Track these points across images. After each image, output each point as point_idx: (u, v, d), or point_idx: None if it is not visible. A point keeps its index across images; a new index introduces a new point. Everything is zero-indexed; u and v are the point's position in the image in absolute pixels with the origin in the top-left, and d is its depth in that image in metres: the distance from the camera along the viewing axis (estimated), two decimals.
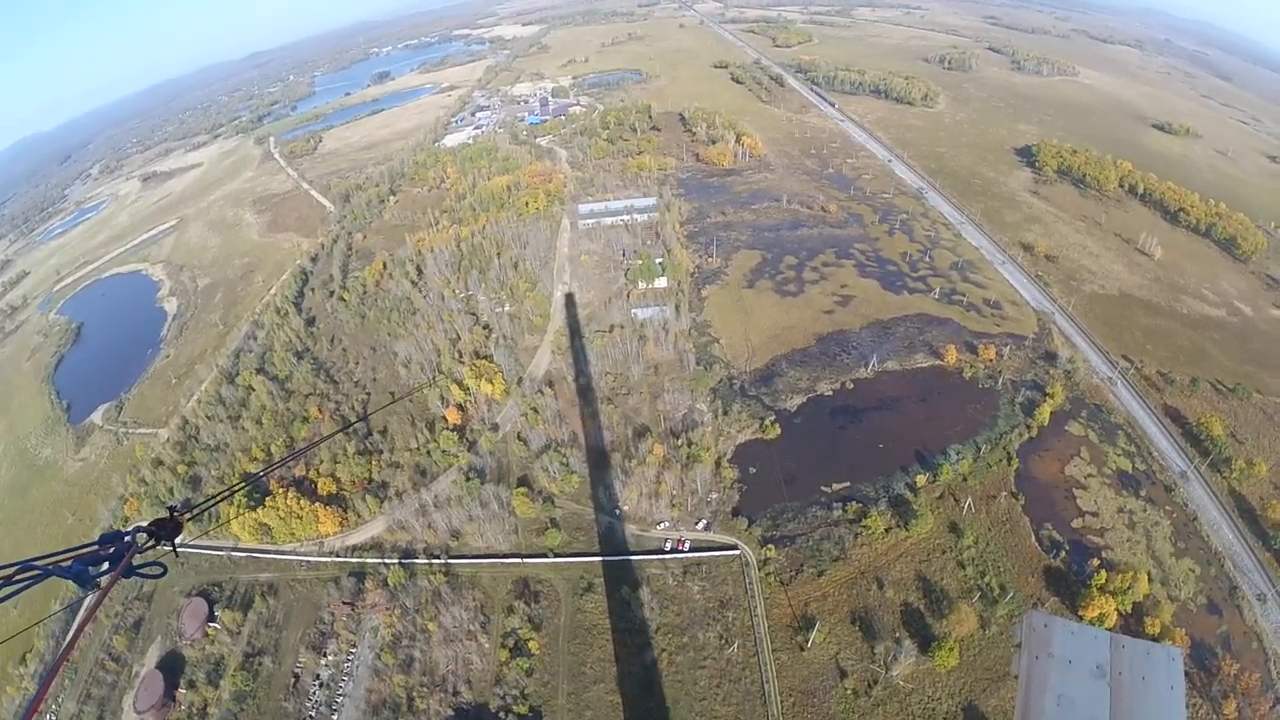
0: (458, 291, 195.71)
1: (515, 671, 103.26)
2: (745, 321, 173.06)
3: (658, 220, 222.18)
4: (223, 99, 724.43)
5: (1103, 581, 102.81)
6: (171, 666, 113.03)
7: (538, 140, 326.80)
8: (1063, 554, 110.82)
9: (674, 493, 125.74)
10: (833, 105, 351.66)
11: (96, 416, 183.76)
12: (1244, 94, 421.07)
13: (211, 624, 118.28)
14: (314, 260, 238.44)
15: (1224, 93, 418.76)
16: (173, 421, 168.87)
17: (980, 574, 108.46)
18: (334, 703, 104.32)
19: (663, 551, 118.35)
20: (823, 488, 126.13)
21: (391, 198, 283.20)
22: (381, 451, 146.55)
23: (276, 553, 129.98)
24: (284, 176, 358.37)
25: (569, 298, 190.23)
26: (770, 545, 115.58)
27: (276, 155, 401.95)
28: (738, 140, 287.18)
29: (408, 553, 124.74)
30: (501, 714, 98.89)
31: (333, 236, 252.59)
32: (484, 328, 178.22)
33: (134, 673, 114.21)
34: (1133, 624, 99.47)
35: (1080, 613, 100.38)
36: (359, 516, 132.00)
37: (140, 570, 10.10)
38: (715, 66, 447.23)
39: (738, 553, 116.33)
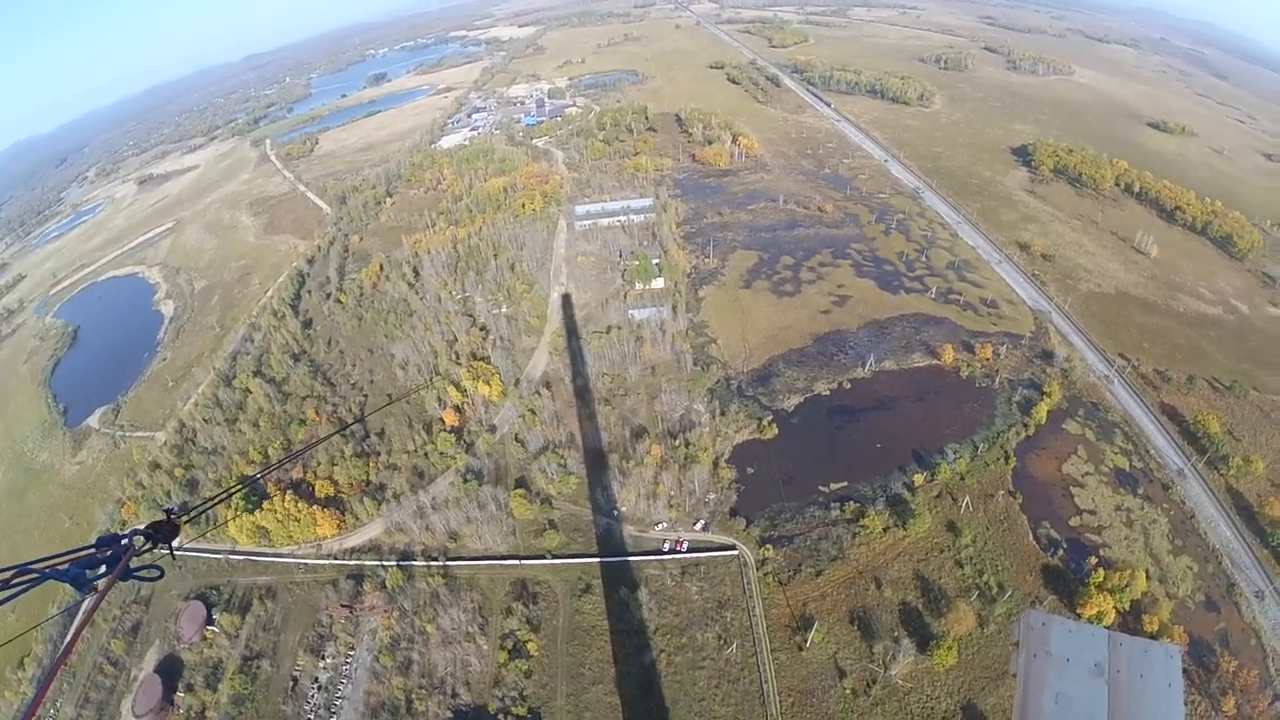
0: (454, 293, 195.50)
1: (514, 673, 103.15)
2: (742, 322, 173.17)
3: (654, 221, 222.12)
4: (219, 101, 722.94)
5: (1101, 579, 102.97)
6: (170, 670, 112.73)
7: (534, 141, 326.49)
8: (1060, 552, 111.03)
9: (672, 493, 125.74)
10: (829, 105, 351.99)
11: (93, 420, 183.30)
12: (1240, 92, 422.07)
13: (209, 627, 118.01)
14: (310, 262, 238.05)
15: (1220, 91, 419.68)
16: (170, 424, 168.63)
17: (978, 573, 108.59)
18: (332, 705, 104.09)
19: (661, 552, 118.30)
20: (820, 487, 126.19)
21: (388, 199, 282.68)
22: (379, 454, 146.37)
23: (274, 556, 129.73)
24: (280, 179, 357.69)
25: (566, 299, 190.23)
26: (768, 545, 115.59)
27: (273, 157, 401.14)
28: (734, 141, 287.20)
29: (406, 555, 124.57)
30: (500, 716, 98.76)
31: (329, 238, 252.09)
32: (481, 329, 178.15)
33: (132, 676, 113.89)
34: (1131, 622, 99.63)
35: (1078, 611, 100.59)
36: (357, 519, 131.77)
37: (137, 573, 10.01)
38: (711, 67, 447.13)
39: (736, 553, 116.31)
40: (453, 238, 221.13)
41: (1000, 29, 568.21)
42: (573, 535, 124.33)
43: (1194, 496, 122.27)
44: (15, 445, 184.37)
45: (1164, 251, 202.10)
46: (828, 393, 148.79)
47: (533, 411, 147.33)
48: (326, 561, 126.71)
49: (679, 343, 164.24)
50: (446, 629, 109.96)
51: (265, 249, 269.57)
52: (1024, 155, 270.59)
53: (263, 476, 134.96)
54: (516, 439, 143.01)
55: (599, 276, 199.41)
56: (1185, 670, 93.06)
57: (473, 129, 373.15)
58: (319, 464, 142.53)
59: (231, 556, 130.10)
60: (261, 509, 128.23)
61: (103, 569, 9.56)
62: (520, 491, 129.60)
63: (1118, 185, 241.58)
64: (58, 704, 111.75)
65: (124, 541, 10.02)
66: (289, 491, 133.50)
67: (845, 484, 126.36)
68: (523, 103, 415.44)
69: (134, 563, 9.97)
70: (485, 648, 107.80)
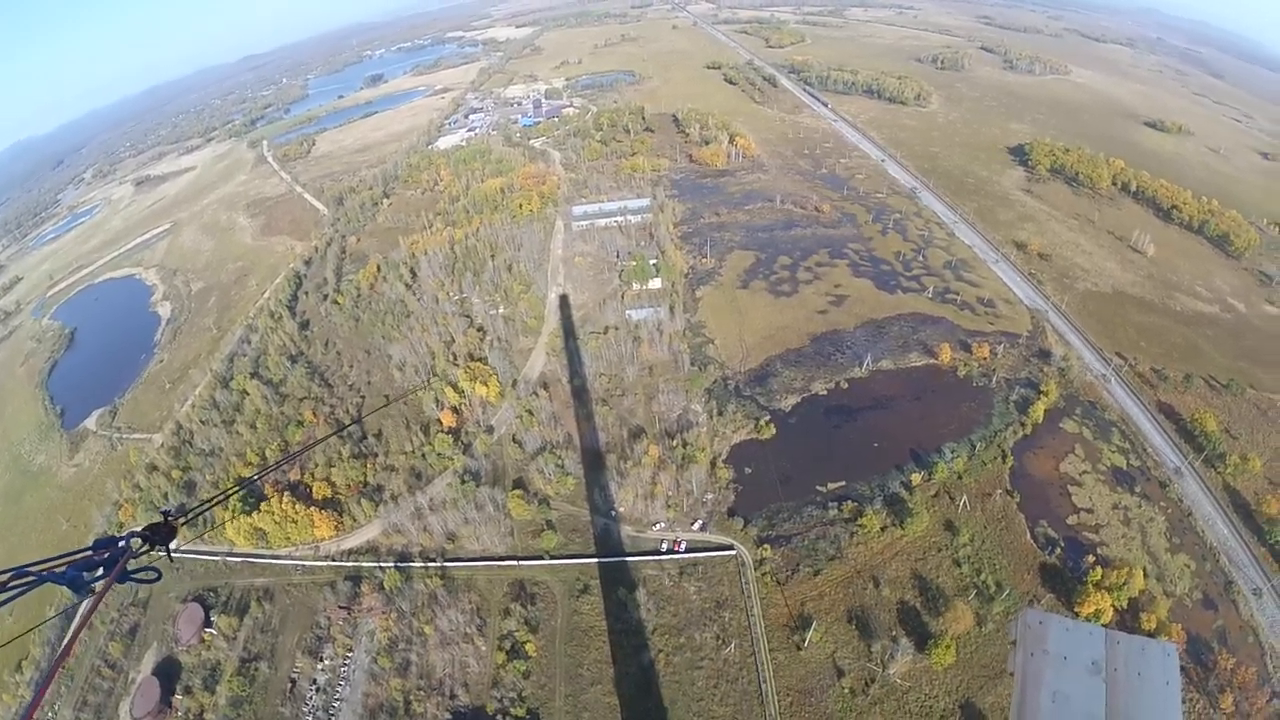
0: (452, 294, 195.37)
1: (512, 674, 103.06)
2: (739, 322, 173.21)
3: (651, 221, 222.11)
4: (216, 102, 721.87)
5: (1098, 578, 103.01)
6: (168, 673, 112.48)
7: (531, 142, 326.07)
8: (1058, 551, 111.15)
9: (669, 494, 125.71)
10: (826, 105, 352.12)
11: (90, 422, 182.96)
12: (1237, 92, 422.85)
13: (207, 629, 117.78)
14: (308, 264, 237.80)
15: (1217, 90, 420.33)
16: (167, 426, 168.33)
17: (976, 572, 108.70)
18: (331, 707, 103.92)
19: (659, 552, 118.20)
20: (818, 487, 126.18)
21: (385, 200, 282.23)
22: (376, 455, 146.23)
23: (272, 557, 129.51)
24: (277, 180, 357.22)
25: (563, 299, 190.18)
26: (766, 545, 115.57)
27: (270, 158, 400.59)
28: (731, 141, 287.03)
29: (403, 556, 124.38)
30: (499, 717, 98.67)
31: (326, 240, 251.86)
32: (478, 330, 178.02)
33: (130, 679, 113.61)
34: (1129, 620, 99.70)
35: (1076, 609, 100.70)
36: (354, 520, 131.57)
37: (135, 575, 10.05)
38: (708, 67, 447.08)
39: (734, 553, 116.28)
40: (450, 239, 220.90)
41: (997, 29, 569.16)
42: (570, 536, 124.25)
43: (1191, 494, 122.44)
44: (12, 448, 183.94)
45: (1161, 250, 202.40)
46: (825, 392, 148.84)
47: (530, 412, 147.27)
48: (324, 563, 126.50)
49: (676, 343, 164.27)
50: (444, 630, 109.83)
51: (262, 250, 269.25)
52: (1021, 155, 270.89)
53: (260, 478, 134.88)
54: (514, 440, 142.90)
55: (596, 277, 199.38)
56: (1183, 668, 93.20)
57: (470, 130, 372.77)
58: (316, 465, 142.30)
59: (229, 558, 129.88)
60: (259, 511, 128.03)
61: (100, 571, 9.58)
62: (518, 492, 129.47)
63: (1114, 184, 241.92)
64: (55, 707, 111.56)
65: (121, 544, 10.01)
66: (286, 493, 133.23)
67: (843, 483, 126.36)
68: (520, 103, 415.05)
69: (131, 565, 9.98)
70: (483, 649, 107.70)
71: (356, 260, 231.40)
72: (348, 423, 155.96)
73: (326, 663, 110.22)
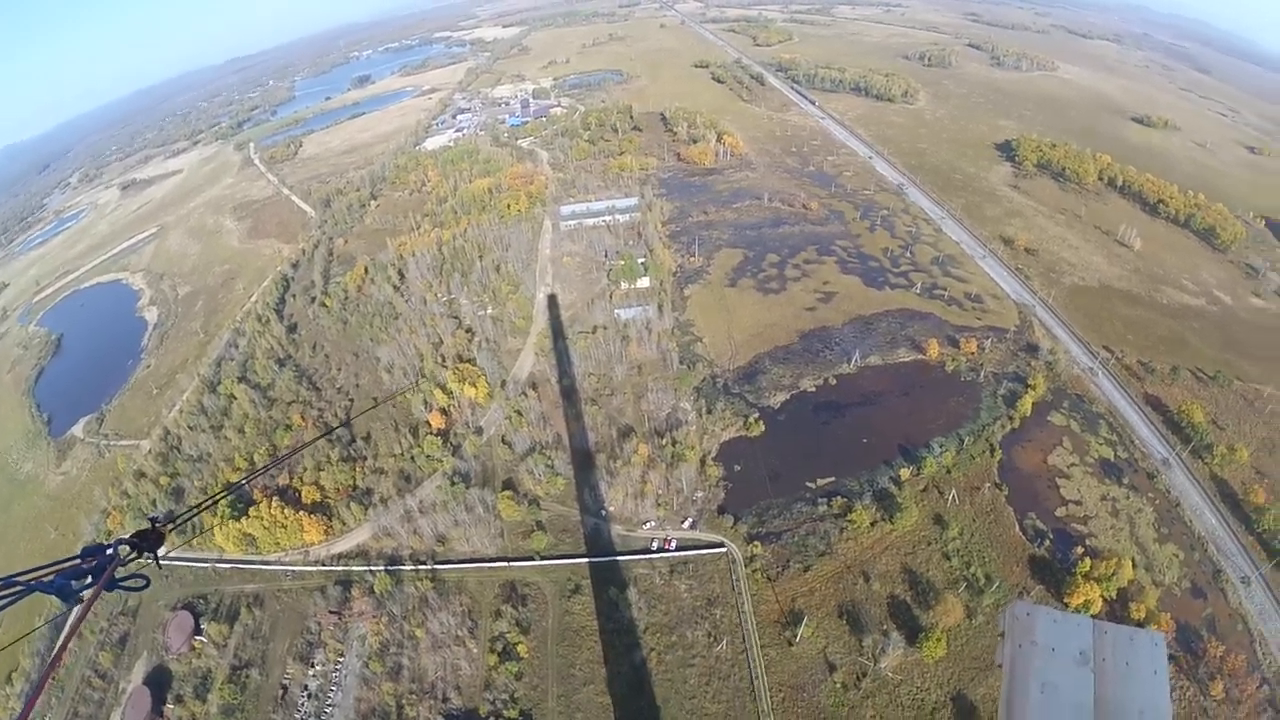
0: (440, 295, 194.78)
1: (504, 676, 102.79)
2: (728, 320, 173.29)
3: (639, 220, 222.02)
4: (202, 105, 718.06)
5: (1087, 569, 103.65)
6: (159, 681, 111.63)
7: (519, 142, 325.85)
8: (1047, 543, 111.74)
9: (659, 492, 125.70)
10: (813, 103, 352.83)
11: (78, 429, 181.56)
12: (1223, 87, 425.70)
13: (198, 637, 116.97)
14: (295, 266, 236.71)
15: (1203, 85, 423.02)
16: (154, 432, 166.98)
17: (965, 565, 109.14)
18: (323, 713, 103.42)
19: (649, 551, 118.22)
20: (807, 483, 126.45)
21: (372, 202, 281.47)
22: (365, 458, 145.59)
23: (261, 563, 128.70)
24: (264, 182, 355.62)
25: (551, 299, 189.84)
26: (756, 542, 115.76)
27: (256, 161, 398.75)
28: (719, 139, 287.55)
29: (393, 559, 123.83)
30: (492, 718, 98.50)
31: (314, 242, 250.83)
32: (466, 331, 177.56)
33: (121, 689, 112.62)
34: (1118, 610, 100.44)
35: (1065, 600, 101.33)
36: (344, 524, 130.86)
37: (123, 583, 9.98)
38: (696, 66, 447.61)
39: (724, 550, 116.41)
40: (438, 240, 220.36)
41: (984, 25, 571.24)
42: (561, 536, 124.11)
43: (1179, 485, 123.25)
44: None
45: (1147, 244, 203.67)
46: (814, 389, 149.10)
47: (519, 413, 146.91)
48: (314, 568, 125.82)
49: (665, 341, 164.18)
50: (436, 633, 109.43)
51: (249, 253, 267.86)
52: (1008, 151, 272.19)
53: (248, 482, 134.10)
54: (503, 441, 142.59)
55: (584, 276, 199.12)
56: (1173, 656, 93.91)
57: (457, 130, 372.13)
58: (305, 469, 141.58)
59: (218, 565, 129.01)
60: (248, 516, 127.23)
61: (88, 580, 9.52)
62: (508, 493, 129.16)
63: (1101, 179, 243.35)
64: (46, 719, 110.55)
65: (109, 551, 9.94)
66: (275, 498, 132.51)
67: (832, 479, 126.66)
68: (507, 103, 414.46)
69: (119, 572, 9.92)
70: (475, 651, 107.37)
71: (344, 262, 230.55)
72: (336, 425, 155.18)
73: (318, 668, 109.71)
